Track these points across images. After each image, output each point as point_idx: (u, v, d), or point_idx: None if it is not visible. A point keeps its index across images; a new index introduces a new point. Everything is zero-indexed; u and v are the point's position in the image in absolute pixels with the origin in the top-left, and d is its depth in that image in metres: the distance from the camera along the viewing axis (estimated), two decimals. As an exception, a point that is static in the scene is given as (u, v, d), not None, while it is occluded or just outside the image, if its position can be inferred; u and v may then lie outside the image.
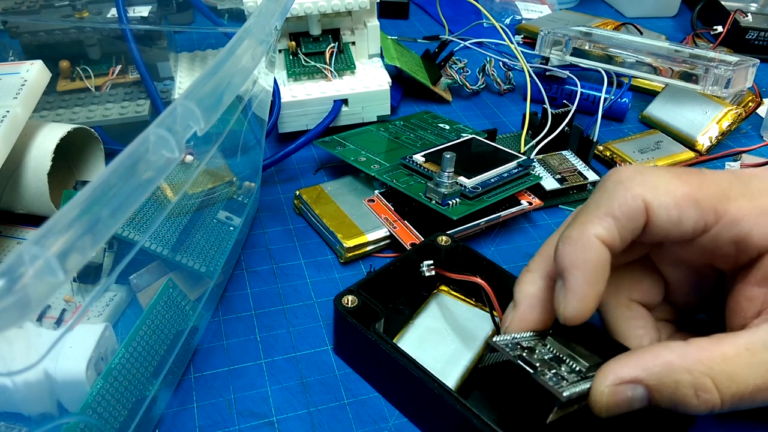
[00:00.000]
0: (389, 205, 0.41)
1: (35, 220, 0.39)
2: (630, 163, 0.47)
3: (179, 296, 0.30)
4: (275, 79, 0.46)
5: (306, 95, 0.48)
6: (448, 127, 0.49)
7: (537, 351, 0.26)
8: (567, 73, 0.55)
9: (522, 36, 0.69)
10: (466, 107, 0.58)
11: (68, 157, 0.42)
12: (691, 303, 0.31)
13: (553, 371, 0.25)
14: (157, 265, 0.33)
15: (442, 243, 0.35)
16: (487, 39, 0.59)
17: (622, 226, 0.25)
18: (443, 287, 0.35)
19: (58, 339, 0.20)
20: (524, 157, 0.43)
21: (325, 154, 0.49)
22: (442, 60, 0.60)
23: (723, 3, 0.73)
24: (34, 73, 0.38)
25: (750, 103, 0.54)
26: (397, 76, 0.56)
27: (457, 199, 0.39)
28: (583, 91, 0.54)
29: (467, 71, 0.59)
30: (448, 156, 0.38)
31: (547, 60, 0.57)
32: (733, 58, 0.50)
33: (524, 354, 0.26)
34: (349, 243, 0.38)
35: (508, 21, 0.75)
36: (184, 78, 0.52)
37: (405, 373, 0.28)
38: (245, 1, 0.47)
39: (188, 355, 0.32)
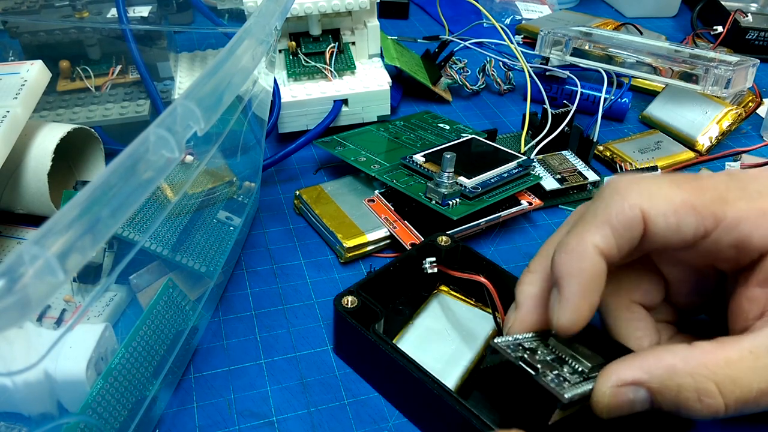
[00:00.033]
0: (389, 205, 0.41)
1: (35, 220, 0.39)
2: (630, 163, 0.47)
3: (179, 296, 0.30)
4: (275, 79, 0.46)
5: (306, 95, 0.48)
6: (448, 127, 0.49)
7: (539, 352, 0.26)
8: (567, 73, 0.55)
9: (522, 36, 0.69)
10: (466, 107, 0.58)
11: (68, 157, 0.42)
12: (692, 303, 0.30)
13: (555, 372, 0.25)
14: (157, 265, 0.33)
15: (442, 243, 0.35)
16: (487, 39, 0.59)
17: (620, 236, 0.25)
18: (443, 287, 0.35)
19: (58, 339, 0.20)
20: (524, 157, 0.43)
21: (325, 154, 0.49)
22: (442, 60, 0.60)
23: (723, 3, 0.73)
24: (34, 73, 0.38)
25: (750, 103, 0.54)
26: (397, 76, 0.56)
27: (457, 199, 0.39)
28: (583, 91, 0.54)
29: (467, 71, 0.59)
30: (448, 156, 0.38)
31: (547, 60, 0.57)
32: (733, 58, 0.50)
33: (526, 355, 0.25)
34: (349, 243, 0.38)
35: (508, 21, 0.75)
36: (184, 78, 0.52)
37: (404, 374, 0.28)
38: (245, 1, 0.47)
39: (188, 355, 0.32)
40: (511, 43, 0.54)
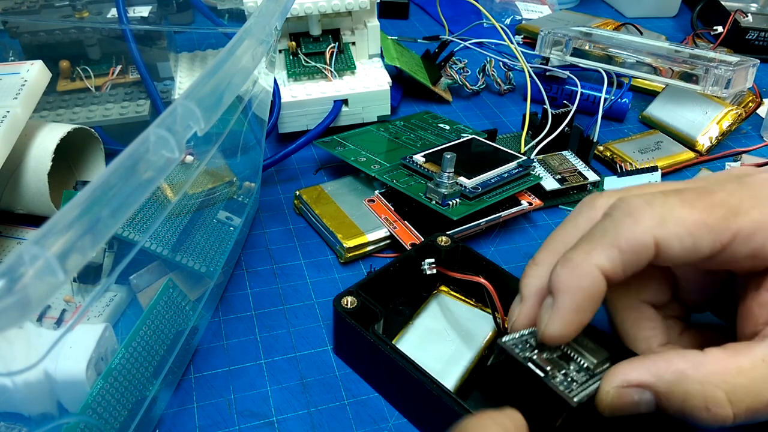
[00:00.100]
0: (389, 205, 0.41)
1: (35, 220, 0.39)
2: (630, 163, 0.47)
3: (179, 296, 0.30)
4: (275, 79, 0.46)
5: (306, 95, 0.48)
6: (448, 127, 0.49)
7: (545, 349, 0.26)
8: (567, 73, 0.55)
9: (522, 36, 0.69)
10: (466, 107, 0.58)
11: (68, 157, 0.42)
12: (699, 301, 0.30)
13: (563, 372, 0.25)
14: (157, 265, 0.33)
15: (442, 243, 0.35)
16: (487, 39, 0.59)
17: (627, 260, 0.25)
18: (443, 287, 0.35)
19: (58, 339, 0.20)
20: (524, 158, 0.43)
21: (325, 154, 0.49)
22: (442, 60, 0.60)
23: (723, 3, 0.73)
24: (34, 73, 0.38)
25: (750, 104, 0.54)
26: (397, 76, 0.56)
27: (457, 200, 0.39)
28: (583, 91, 0.54)
29: (467, 71, 0.59)
30: (449, 156, 0.38)
31: (547, 60, 0.57)
32: (733, 59, 0.50)
33: (534, 356, 0.25)
34: (349, 243, 0.38)
35: (508, 21, 0.75)
36: (184, 78, 0.52)
37: (403, 374, 0.28)
38: (245, 1, 0.47)
39: (188, 355, 0.32)
40: (511, 43, 0.54)
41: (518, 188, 0.41)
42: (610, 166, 0.49)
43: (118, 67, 0.51)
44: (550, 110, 0.47)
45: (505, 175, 0.41)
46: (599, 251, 0.25)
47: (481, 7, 0.57)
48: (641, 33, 0.68)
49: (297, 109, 0.49)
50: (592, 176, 0.45)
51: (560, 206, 0.44)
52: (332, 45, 0.51)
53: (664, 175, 0.46)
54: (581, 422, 0.26)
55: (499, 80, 0.59)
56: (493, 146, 0.44)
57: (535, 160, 0.46)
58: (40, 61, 0.39)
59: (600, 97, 0.52)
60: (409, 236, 0.38)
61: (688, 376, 0.24)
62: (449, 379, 0.30)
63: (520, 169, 0.42)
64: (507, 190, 0.41)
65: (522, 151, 0.46)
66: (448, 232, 0.35)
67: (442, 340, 0.32)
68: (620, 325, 0.29)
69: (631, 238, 0.25)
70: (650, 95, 0.57)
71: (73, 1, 0.50)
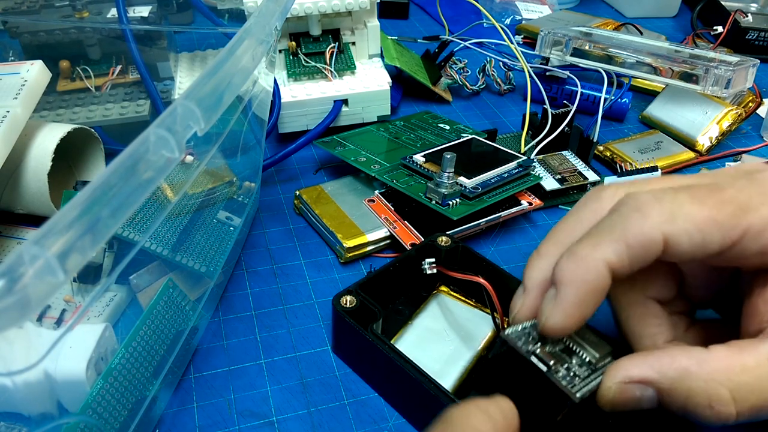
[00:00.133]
0: (389, 205, 0.41)
1: (35, 220, 0.39)
2: (630, 163, 0.47)
3: (179, 296, 0.30)
4: (275, 79, 0.46)
5: (306, 95, 0.48)
6: (448, 127, 0.49)
7: (548, 341, 0.26)
8: (567, 73, 0.55)
9: (522, 36, 0.69)
10: (466, 107, 0.58)
11: (68, 157, 0.42)
12: (705, 297, 0.30)
13: (565, 366, 0.25)
14: (157, 265, 0.33)
15: (442, 243, 0.35)
16: (487, 39, 0.59)
17: (634, 255, 0.25)
18: (443, 287, 0.35)
19: (58, 339, 0.20)
20: (524, 158, 0.43)
21: (325, 154, 0.49)
22: (442, 60, 0.60)
23: (723, 3, 0.73)
24: (34, 73, 0.38)
25: (750, 104, 0.54)
26: (397, 76, 0.56)
27: (457, 200, 0.39)
28: (583, 91, 0.54)
29: (467, 71, 0.59)
30: (449, 156, 0.38)
31: (547, 60, 0.57)
32: (733, 59, 0.50)
33: (537, 350, 0.25)
34: (349, 243, 0.38)
35: (508, 21, 0.75)
36: (184, 78, 0.52)
37: (401, 374, 0.28)
38: (245, 1, 0.47)
39: (188, 355, 0.32)
40: (511, 43, 0.54)
41: (518, 188, 0.41)
42: (610, 166, 0.49)
43: (118, 67, 0.51)
44: (550, 110, 0.47)
45: (505, 175, 0.41)
46: (606, 245, 0.25)
47: (481, 7, 0.57)
48: (641, 33, 0.68)
49: (297, 109, 0.49)
50: (592, 176, 0.45)
51: (560, 206, 0.44)
52: (332, 45, 0.51)
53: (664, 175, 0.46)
54: (582, 416, 0.26)
55: (499, 80, 0.59)
56: (493, 146, 0.44)
57: (535, 160, 0.46)
58: (40, 61, 0.39)
59: (600, 97, 0.52)
60: (409, 236, 0.38)
61: (692, 373, 0.23)
62: (448, 379, 0.30)
63: (520, 169, 0.42)
64: (507, 190, 0.41)
65: (522, 151, 0.46)
66: (448, 232, 0.35)
67: (441, 340, 0.32)
68: (625, 322, 0.29)
69: (639, 233, 0.24)
70: (650, 95, 0.57)
71: (73, 1, 0.50)
